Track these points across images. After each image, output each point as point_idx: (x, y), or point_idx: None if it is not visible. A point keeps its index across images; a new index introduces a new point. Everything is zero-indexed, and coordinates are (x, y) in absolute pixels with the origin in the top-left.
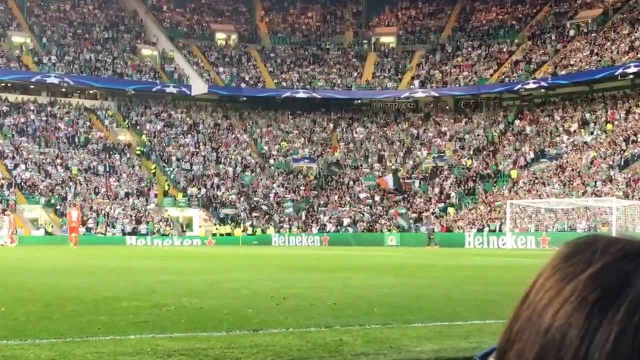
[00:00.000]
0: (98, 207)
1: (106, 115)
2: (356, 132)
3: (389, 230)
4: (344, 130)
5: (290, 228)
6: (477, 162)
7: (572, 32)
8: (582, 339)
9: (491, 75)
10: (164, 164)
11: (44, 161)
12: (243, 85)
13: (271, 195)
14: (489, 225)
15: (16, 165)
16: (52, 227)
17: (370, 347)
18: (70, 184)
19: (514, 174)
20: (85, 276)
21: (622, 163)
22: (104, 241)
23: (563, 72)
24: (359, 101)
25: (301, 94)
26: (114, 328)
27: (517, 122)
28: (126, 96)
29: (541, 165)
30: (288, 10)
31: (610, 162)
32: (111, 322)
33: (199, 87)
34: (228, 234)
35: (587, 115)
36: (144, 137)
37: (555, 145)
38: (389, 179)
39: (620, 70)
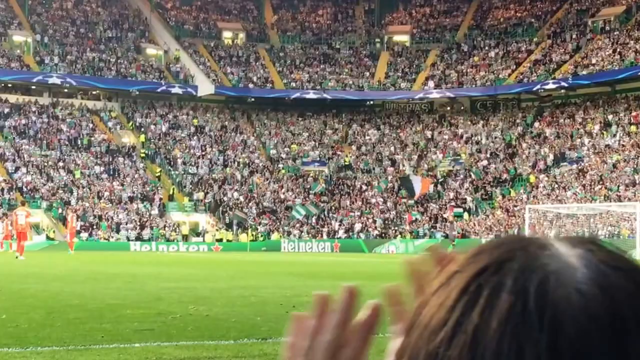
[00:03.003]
0: (101, 212)
1: (110, 116)
2: (368, 135)
3: (403, 237)
4: (356, 132)
5: (300, 234)
6: (495, 165)
7: (599, 27)
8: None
9: (509, 75)
10: (169, 167)
11: (45, 164)
12: (251, 85)
13: (280, 199)
14: (507, 231)
15: (17, 169)
16: (55, 232)
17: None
18: (73, 187)
19: (532, 178)
20: (88, 283)
21: None
22: (107, 247)
23: (584, 72)
24: (371, 102)
25: (311, 95)
26: (118, 336)
27: (536, 124)
28: (130, 97)
29: (561, 169)
30: (298, 8)
31: (634, 166)
32: (115, 330)
33: (205, 87)
34: (230, 241)
35: (610, 116)
36: (142, 136)
37: (576, 148)
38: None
39: None
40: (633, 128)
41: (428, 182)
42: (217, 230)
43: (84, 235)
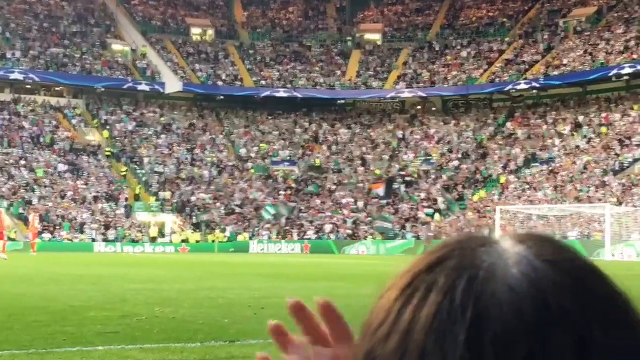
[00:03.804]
0: (65, 212)
1: (74, 114)
2: (339, 134)
3: (373, 238)
4: (327, 132)
5: (269, 235)
6: (466, 166)
7: (570, 28)
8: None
9: (481, 75)
10: (135, 166)
11: (6, 162)
12: (220, 83)
13: (249, 200)
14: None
15: None
16: (16, 233)
17: None
18: (35, 187)
19: (503, 179)
20: (51, 285)
21: (617, 168)
22: (71, 248)
23: (555, 73)
24: (343, 101)
25: (281, 94)
26: (81, 339)
27: (507, 124)
28: (95, 94)
29: (532, 170)
30: (268, 5)
31: (605, 167)
32: (78, 332)
33: (173, 85)
34: (198, 242)
35: (581, 117)
36: (106, 132)
37: (547, 149)
38: (381, 187)
39: (614, 71)
40: (604, 129)
41: (375, 185)
42: (182, 231)
43: (47, 236)
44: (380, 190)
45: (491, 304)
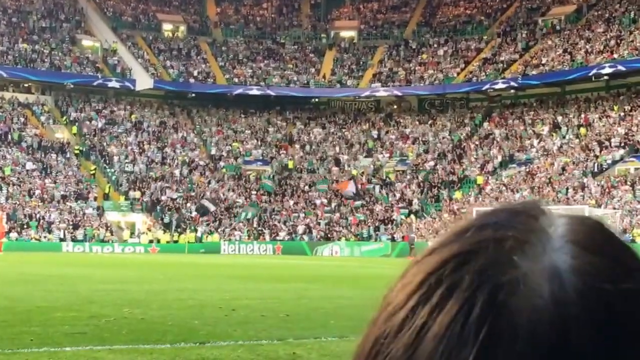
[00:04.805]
0: (32, 211)
1: (42, 110)
2: (313, 133)
3: (347, 239)
4: (300, 131)
5: (241, 236)
6: (442, 166)
7: (549, 26)
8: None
9: (458, 74)
10: (104, 165)
11: None
12: (192, 80)
13: (221, 199)
14: None
15: None
16: None
17: None
18: (2, 185)
19: (480, 179)
20: (17, 285)
21: (596, 169)
22: (38, 247)
23: (534, 72)
24: (317, 100)
25: (254, 91)
26: (48, 339)
27: (484, 124)
28: (64, 90)
29: (510, 171)
30: (241, 1)
31: (583, 169)
32: (45, 333)
33: (143, 81)
34: (168, 242)
35: (559, 118)
36: (74, 128)
37: (525, 149)
38: (350, 185)
39: (594, 71)
40: (582, 130)
41: (343, 185)
42: (149, 230)
43: (14, 235)
44: (350, 189)
45: (507, 325)
